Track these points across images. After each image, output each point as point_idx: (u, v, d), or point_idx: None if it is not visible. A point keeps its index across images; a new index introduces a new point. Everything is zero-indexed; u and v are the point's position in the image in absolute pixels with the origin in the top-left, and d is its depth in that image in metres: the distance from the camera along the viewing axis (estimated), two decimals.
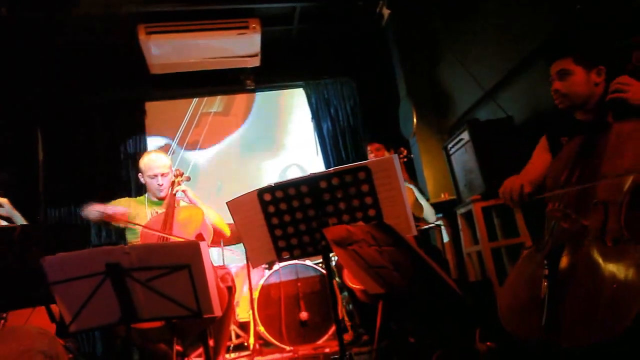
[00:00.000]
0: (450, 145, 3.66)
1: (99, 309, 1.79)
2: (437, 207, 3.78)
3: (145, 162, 3.05)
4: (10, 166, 4.61)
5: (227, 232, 3.19)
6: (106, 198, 4.84)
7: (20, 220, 2.60)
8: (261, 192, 1.93)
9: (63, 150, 5.07)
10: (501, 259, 3.41)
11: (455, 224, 3.72)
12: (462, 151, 3.48)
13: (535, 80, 3.22)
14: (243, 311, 3.99)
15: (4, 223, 2.58)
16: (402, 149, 3.55)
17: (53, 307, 2.33)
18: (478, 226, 3.24)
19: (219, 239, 3.29)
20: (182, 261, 1.74)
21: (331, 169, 1.89)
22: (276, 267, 3.78)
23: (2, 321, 1.89)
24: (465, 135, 3.38)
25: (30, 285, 1.83)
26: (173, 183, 3.02)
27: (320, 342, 3.60)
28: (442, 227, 4.05)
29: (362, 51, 5.54)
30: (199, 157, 5.43)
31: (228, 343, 3.79)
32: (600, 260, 1.60)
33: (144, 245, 2.37)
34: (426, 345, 2.26)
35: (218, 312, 1.84)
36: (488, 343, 2.23)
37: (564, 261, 1.70)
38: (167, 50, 4.53)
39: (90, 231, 2.41)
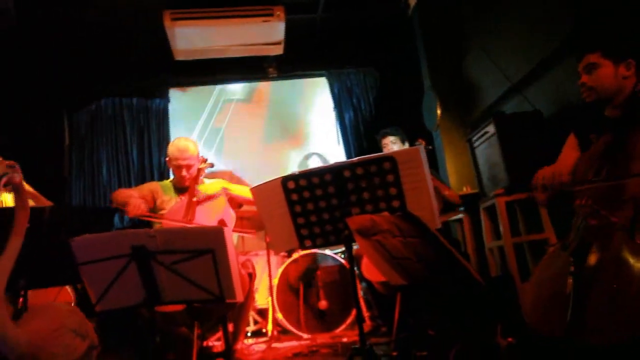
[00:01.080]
0: (474, 138, 3.61)
1: (124, 290, 1.83)
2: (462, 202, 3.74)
3: (172, 151, 3.08)
4: (37, 150, 4.71)
5: None
6: (130, 184, 4.93)
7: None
8: (285, 179, 1.93)
9: (89, 135, 5.16)
10: (523, 254, 3.36)
11: (477, 217, 3.67)
12: (486, 144, 3.42)
13: (566, 74, 3.15)
14: (262, 298, 4.03)
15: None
16: (420, 140, 3.48)
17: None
18: (501, 221, 3.19)
19: (251, 212, 3.31)
20: (206, 246, 1.75)
21: (356, 158, 1.88)
22: (295, 255, 3.79)
23: (21, 299, 1.92)
24: (490, 129, 3.32)
25: (58, 265, 1.87)
26: (197, 170, 3.05)
27: (337, 331, 3.62)
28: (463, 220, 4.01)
29: (386, 41, 5.47)
30: (220, 145, 5.46)
31: (246, 329, 3.83)
32: (629, 258, 1.57)
33: (169, 229, 2.40)
34: (445, 338, 2.25)
35: (240, 297, 1.86)
36: (509, 339, 2.21)
37: (591, 258, 1.67)
38: (191, 36, 4.55)
39: (115, 215, 2.45)
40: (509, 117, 3.35)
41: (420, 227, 1.29)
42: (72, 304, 2.77)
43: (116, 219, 4.53)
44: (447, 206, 3.55)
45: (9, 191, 1.50)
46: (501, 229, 3.21)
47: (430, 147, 3.51)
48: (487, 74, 4.09)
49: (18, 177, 1.43)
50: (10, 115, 4.30)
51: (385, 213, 1.56)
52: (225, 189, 3.16)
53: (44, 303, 1.64)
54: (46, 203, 2.57)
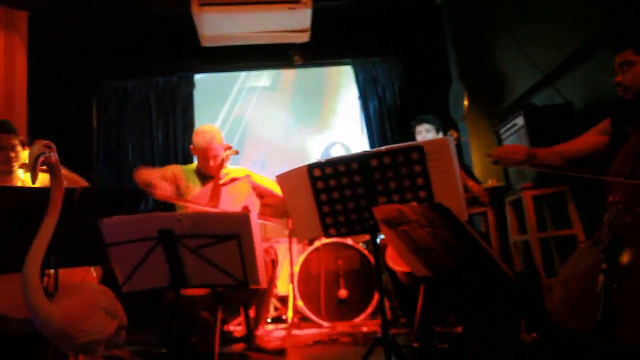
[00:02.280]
0: (502, 130, 3.55)
1: (150, 272, 1.85)
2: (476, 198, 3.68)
3: (199, 141, 3.08)
4: (66, 132, 4.80)
5: (279, 190, 3.22)
6: (154, 167, 4.99)
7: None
8: (311, 167, 1.92)
9: (116, 119, 5.24)
10: (549, 250, 3.30)
11: (502, 211, 3.62)
12: (515, 137, 3.36)
13: (599, 65, 3.05)
14: (282, 285, 4.05)
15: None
16: (452, 131, 3.44)
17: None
18: (527, 215, 3.14)
19: (273, 200, 3.33)
20: (232, 231, 1.76)
21: (383, 147, 1.86)
22: (317, 243, 3.80)
23: (46, 278, 1.96)
24: (519, 121, 3.26)
25: (86, 245, 1.90)
26: (222, 158, 3.07)
27: (357, 320, 3.62)
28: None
29: (413, 30, 5.39)
30: (244, 131, 5.48)
31: (267, 315, 3.87)
32: None
33: (196, 213, 2.43)
34: (468, 331, 2.23)
35: (264, 283, 1.87)
36: (533, 334, 2.18)
37: (624, 255, 1.63)
38: (218, 22, 4.56)
39: (142, 197, 2.49)
40: (539, 109, 3.28)
41: (449, 219, 1.27)
42: None
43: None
44: (470, 200, 3.50)
45: (45, 171, 1.53)
46: (527, 223, 3.16)
47: (463, 138, 3.46)
48: (516, 64, 4.00)
49: (54, 156, 1.46)
50: (41, 98, 4.38)
51: (414, 203, 1.54)
52: (248, 176, 3.17)
53: (77, 282, 1.68)
54: (82, 183, 2.63)
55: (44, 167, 1.47)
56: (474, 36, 4.65)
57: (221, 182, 2.98)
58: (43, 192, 1.57)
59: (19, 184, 2.60)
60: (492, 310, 2.08)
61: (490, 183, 4.07)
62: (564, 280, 1.82)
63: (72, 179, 2.56)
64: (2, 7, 3.68)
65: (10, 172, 2.57)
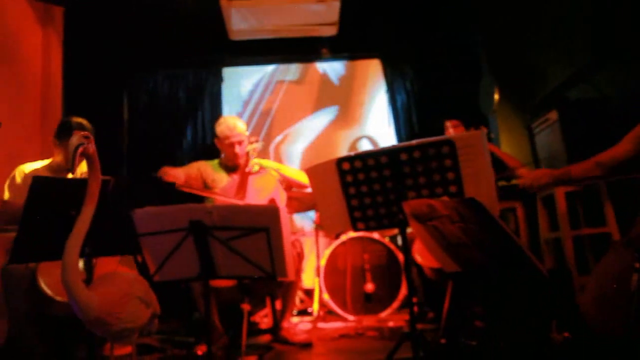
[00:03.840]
0: (534, 125, 3.46)
1: (180, 263, 1.88)
2: (514, 189, 3.60)
3: (222, 129, 3.12)
4: (98, 125, 4.90)
5: (307, 181, 3.23)
6: (182, 161, 5.07)
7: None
8: (340, 161, 1.92)
9: (145, 112, 5.33)
10: (582, 248, 3.22)
11: (532, 208, 3.54)
12: (547, 132, 3.28)
13: (637, 59, 2.94)
14: (308, 278, 4.07)
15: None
16: (483, 127, 3.39)
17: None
18: (559, 212, 3.06)
19: (300, 193, 3.36)
20: (261, 224, 1.77)
21: (413, 141, 1.84)
22: (343, 237, 3.80)
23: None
24: (552, 115, 3.17)
25: (120, 235, 1.95)
26: (246, 149, 3.09)
27: (383, 314, 3.62)
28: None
29: (442, 22, 5.30)
30: (271, 124, 5.51)
31: (293, 307, 3.90)
32: None
33: (226, 205, 2.46)
34: (497, 328, 2.19)
35: (292, 276, 1.88)
36: (564, 334, 2.13)
37: None
38: (247, 16, 4.58)
39: (172, 189, 2.54)
40: (574, 103, 3.19)
41: (483, 214, 1.25)
42: None
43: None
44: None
45: (83, 161, 1.56)
46: (559, 220, 3.08)
47: (492, 135, 3.40)
48: (550, 56, 3.89)
49: (92, 147, 1.50)
50: (75, 91, 4.49)
51: (445, 198, 1.52)
52: (277, 170, 3.19)
53: (112, 271, 1.72)
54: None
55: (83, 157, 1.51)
56: (505, 27, 4.54)
57: (247, 169, 3.00)
58: (82, 182, 1.62)
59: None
60: (522, 308, 2.05)
61: None
62: (597, 279, 1.77)
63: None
64: (40, 3, 3.78)
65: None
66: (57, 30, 4.05)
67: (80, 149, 1.45)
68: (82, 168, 2.48)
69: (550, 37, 3.79)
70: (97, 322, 1.50)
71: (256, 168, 3.06)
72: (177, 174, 3.04)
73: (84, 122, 2.62)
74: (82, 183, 1.61)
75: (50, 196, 1.78)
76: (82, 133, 1.50)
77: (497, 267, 1.52)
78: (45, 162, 2.70)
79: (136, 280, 1.73)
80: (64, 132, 2.59)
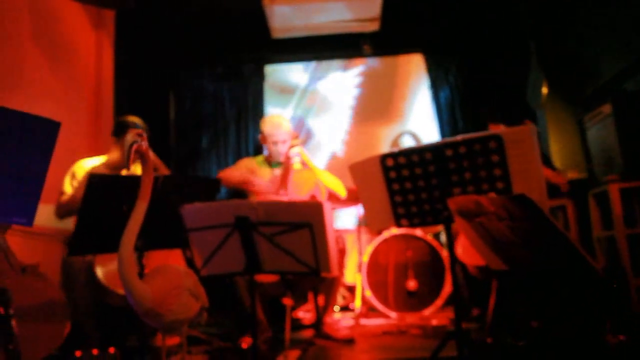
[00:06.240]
0: (585, 119, 3.32)
1: (226, 257, 1.92)
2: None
3: (268, 128, 3.17)
4: (147, 124, 5.07)
5: (343, 193, 3.23)
6: (227, 158, 5.18)
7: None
8: (384, 157, 1.91)
9: (191, 110, 5.48)
10: (637, 247, 3.07)
11: (583, 205, 3.41)
12: (600, 126, 3.14)
13: None
14: (350, 274, 4.08)
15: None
16: (527, 121, 3.28)
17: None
18: (614, 209, 2.93)
19: (334, 201, 3.36)
20: (305, 220, 1.79)
21: (459, 136, 1.81)
22: (386, 234, 3.78)
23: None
24: (606, 108, 3.03)
25: (169, 230, 2.01)
26: (290, 146, 3.13)
27: (426, 312, 3.58)
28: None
29: (488, 13, 5.15)
30: (313, 121, 5.53)
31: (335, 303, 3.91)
32: None
33: (270, 201, 2.50)
34: (548, 329, 2.13)
35: (335, 271, 1.89)
36: (620, 336, 2.05)
37: None
38: (289, 14, 4.61)
39: (218, 186, 2.61)
40: (631, 95, 3.04)
41: (533, 211, 1.22)
42: None
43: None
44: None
45: (138, 158, 1.63)
46: (614, 218, 2.95)
47: (539, 130, 3.28)
48: (604, 46, 3.71)
49: (145, 145, 1.56)
50: (125, 91, 4.65)
51: (492, 194, 1.49)
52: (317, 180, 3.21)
53: (163, 264, 1.78)
54: (164, 169, 2.79)
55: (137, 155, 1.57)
56: (554, 17, 4.36)
57: (291, 162, 3.04)
58: (135, 179, 1.69)
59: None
60: (575, 308, 1.98)
61: (571, 175, 3.85)
62: None
63: (158, 164, 2.73)
64: (94, 7, 3.94)
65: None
66: (109, 33, 4.21)
67: (135, 146, 1.51)
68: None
69: (603, 26, 3.61)
70: (150, 313, 1.55)
71: (298, 166, 3.10)
72: (233, 175, 3.14)
73: (138, 121, 2.72)
74: (135, 180, 1.67)
75: (105, 192, 1.86)
76: (136, 131, 1.56)
77: (546, 266, 1.47)
78: (102, 158, 2.83)
79: (186, 273, 1.78)
80: (120, 130, 2.71)
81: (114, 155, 2.76)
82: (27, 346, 1.58)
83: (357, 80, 5.55)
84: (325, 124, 5.50)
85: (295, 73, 5.62)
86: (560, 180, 3.14)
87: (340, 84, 5.55)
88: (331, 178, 3.23)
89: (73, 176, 2.70)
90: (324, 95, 5.54)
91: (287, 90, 5.59)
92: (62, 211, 2.62)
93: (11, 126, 1.21)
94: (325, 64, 5.59)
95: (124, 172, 2.55)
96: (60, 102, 3.47)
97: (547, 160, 3.30)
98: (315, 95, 5.54)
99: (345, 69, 5.59)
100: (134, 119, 2.73)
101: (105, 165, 2.78)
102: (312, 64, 5.59)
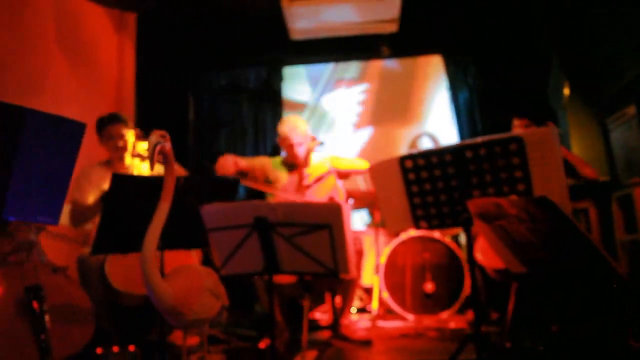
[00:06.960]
0: (609, 121, 3.27)
1: (245, 257, 1.94)
2: (586, 188, 3.42)
3: (283, 130, 3.18)
4: (167, 125, 5.13)
5: (365, 165, 3.27)
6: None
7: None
8: (403, 158, 1.91)
9: (210, 111, 5.53)
10: None
11: (605, 208, 3.34)
12: (624, 127, 3.09)
13: None
14: (367, 276, 4.07)
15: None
16: (550, 123, 3.24)
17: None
18: (638, 213, 2.88)
19: (358, 189, 3.42)
20: (324, 221, 1.79)
21: (479, 138, 1.79)
22: (403, 236, 3.76)
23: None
24: (631, 110, 2.98)
25: (189, 230, 2.04)
26: (308, 148, 3.14)
27: (443, 315, 3.55)
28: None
29: (507, 14, 5.09)
30: (331, 123, 5.54)
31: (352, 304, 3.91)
32: None
33: (289, 202, 2.52)
34: (568, 333, 2.09)
35: (353, 273, 1.90)
36: None
37: None
38: (308, 15, 4.63)
39: (237, 187, 2.62)
40: None
41: (555, 213, 1.20)
42: None
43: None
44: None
45: (161, 159, 1.65)
46: (638, 221, 2.90)
47: (561, 132, 3.23)
48: (626, 47, 3.64)
49: (168, 146, 1.58)
50: (146, 92, 4.72)
51: (513, 196, 1.48)
52: (333, 167, 3.22)
53: (185, 264, 1.81)
54: (181, 171, 2.84)
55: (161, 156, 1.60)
56: (575, 16, 4.29)
57: (305, 183, 3.08)
58: (158, 179, 1.72)
59: (132, 171, 2.85)
60: (596, 311, 1.94)
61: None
62: None
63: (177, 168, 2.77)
64: (116, 10, 4.02)
65: (120, 159, 2.82)
66: (131, 36, 4.28)
67: (159, 147, 1.54)
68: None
69: (626, 25, 3.54)
70: (172, 311, 1.58)
71: (311, 180, 3.13)
72: (237, 161, 3.15)
73: (119, 115, 2.81)
74: (157, 180, 1.70)
75: (128, 192, 1.90)
76: (160, 132, 1.58)
77: (566, 267, 1.45)
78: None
79: (207, 273, 1.80)
80: (100, 126, 2.81)
81: (104, 152, 2.84)
82: (54, 344, 1.61)
83: (375, 81, 5.54)
84: (343, 126, 5.50)
85: (313, 74, 5.64)
86: (589, 171, 3.06)
87: (358, 85, 5.54)
88: (347, 159, 3.30)
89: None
90: (341, 96, 5.54)
91: (305, 91, 5.61)
92: (76, 217, 2.69)
93: (39, 128, 1.24)
94: (343, 65, 5.59)
95: (148, 173, 2.59)
96: (83, 104, 3.54)
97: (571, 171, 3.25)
98: (332, 97, 5.55)
99: (363, 70, 5.58)
100: (113, 114, 2.82)
101: (98, 164, 2.85)
102: (330, 65, 5.60)
